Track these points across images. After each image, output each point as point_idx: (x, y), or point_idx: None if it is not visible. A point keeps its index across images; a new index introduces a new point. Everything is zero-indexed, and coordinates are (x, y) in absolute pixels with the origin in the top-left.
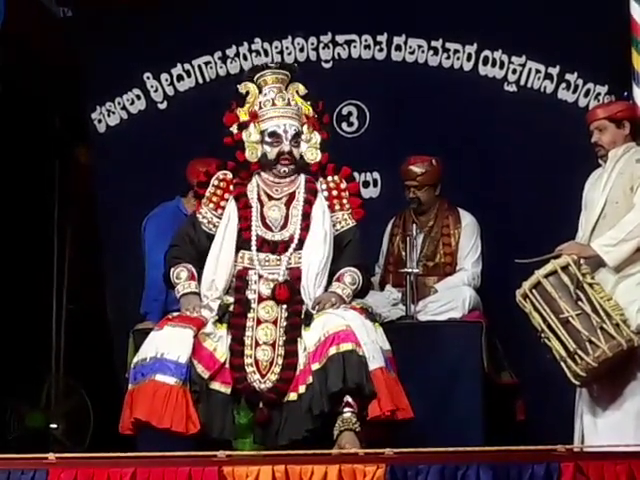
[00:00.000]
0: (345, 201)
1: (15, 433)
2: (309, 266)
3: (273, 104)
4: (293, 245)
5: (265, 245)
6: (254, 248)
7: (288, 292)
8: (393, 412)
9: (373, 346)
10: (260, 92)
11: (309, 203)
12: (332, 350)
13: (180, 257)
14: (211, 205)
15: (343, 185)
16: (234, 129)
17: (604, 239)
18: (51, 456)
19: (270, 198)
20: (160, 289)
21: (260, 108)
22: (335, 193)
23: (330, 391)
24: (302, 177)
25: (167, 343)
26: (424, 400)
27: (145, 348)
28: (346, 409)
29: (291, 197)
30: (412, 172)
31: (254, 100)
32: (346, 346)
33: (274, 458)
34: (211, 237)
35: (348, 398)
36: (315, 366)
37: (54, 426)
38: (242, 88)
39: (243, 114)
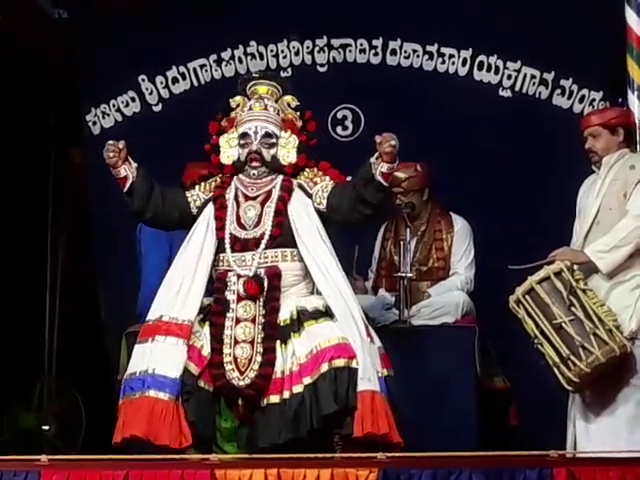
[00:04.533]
0: (322, 176)
1: (7, 434)
2: (320, 261)
3: (250, 109)
4: (264, 241)
5: (237, 243)
6: (228, 247)
7: (257, 287)
8: (376, 435)
9: (373, 370)
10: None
11: (282, 200)
12: (324, 367)
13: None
14: (202, 185)
15: (315, 170)
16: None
17: (597, 245)
18: (43, 458)
19: (247, 198)
20: (155, 291)
21: (235, 115)
22: (312, 175)
23: (323, 412)
24: (279, 177)
25: (159, 358)
26: (417, 405)
27: (135, 362)
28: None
29: (267, 196)
30: (396, 178)
31: (239, 110)
32: (338, 362)
33: (266, 462)
34: (183, 207)
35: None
36: (307, 380)
37: (46, 427)
38: (233, 102)
39: (225, 122)
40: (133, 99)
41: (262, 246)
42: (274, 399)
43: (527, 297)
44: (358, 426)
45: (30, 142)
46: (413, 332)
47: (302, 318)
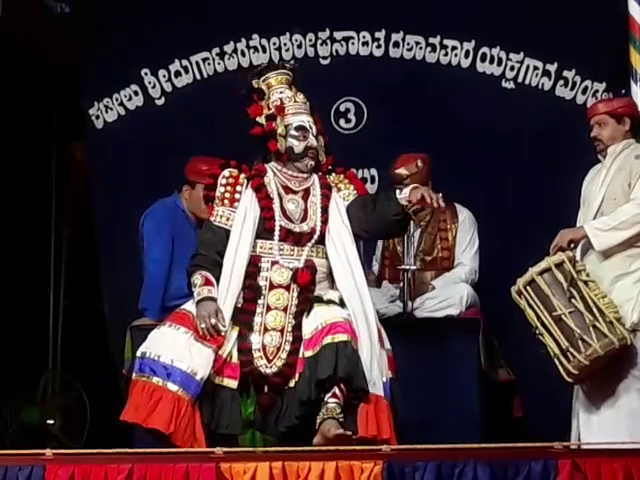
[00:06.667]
0: (348, 184)
1: (11, 429)
2: (346, 260)
3: (295, 100)
4: (315, 237)
5: (290, 236)
6: (277, 238)
7: (310, 276)
8: (377, 438)
9: (379, 375)
10: (269, 90)
11: (326, 197)
12: (327, 339)
13: (197, 264)
14: (226, 202)
15: (341, 176)
16: (262, 120)
17: (597, 223)
18: (48, 452)
19: (288, 191)
20: (158, 285)
21: (282, 103)
22: (337, 181)
23: (318, 378)
24: (314, 174)
25: (189, 355)
26: (421, 397)
27: (163, 345)
28: (331, 399)
29: (307, 192)
30: (398, 176)
31: (268, 95)
32: (341, 337)
33: (271, 454)
34: (227, 233)
35: (336, 389)
36: (308, 353)
37: (51, 422)
38: (256, 84)
39: (265, 107)
40: (136, 93)
41: (313, 241)
42: (291, 383)
43: (528, 288)
44: (362, 427)
45: (32, 137)
46: (417, 324)
47: (315, 303)
